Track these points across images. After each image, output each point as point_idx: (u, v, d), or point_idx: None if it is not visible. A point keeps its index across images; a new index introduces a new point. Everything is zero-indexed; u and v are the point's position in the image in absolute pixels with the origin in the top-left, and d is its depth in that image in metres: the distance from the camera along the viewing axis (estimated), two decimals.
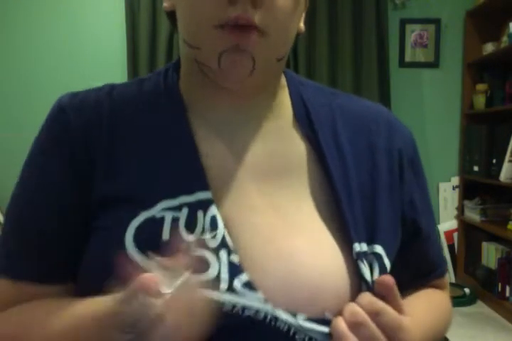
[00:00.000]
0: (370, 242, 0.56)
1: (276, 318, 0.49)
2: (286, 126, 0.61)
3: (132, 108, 0.59)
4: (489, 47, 3.00)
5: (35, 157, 0.59)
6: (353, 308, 0.50)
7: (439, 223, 3.24)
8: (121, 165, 0.56)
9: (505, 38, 2.83)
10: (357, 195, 0.57)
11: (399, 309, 0.51)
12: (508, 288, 2.71)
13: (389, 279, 0.51)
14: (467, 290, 2.90)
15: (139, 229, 0.52)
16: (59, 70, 3.13)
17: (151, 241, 0.51)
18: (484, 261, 2.95)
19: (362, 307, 0.50)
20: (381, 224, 0.57)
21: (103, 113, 0.58)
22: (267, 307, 0.49)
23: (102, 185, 0.55)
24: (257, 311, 0.49)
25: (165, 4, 0.60)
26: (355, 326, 0.49)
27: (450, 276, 3.21)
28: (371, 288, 0.53)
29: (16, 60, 3.15)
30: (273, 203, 0.56)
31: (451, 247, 3.24)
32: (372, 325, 0.49)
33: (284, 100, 0.63)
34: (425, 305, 0.65)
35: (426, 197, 0.67)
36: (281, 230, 0.54)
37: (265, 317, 0.49)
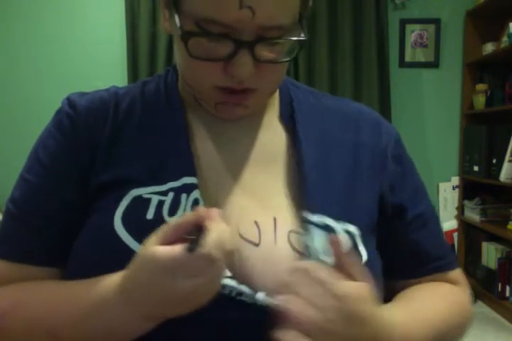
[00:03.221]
0: (346, 220, 0.59)
1: (240, 293, 0.52)
2: (271, 119, 0.67)
3: (135, 104, 0.64)
4: (489, 47, 3.00)
5: (43, 148, 0.62)
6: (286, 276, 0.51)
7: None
8: (119, 156, 0.60)
9: (505, 38, 2.83)
10: (336, 180, 0.62)
11: (351, 269, 0.51)
12: (508, 288, 2.71)
13: (335, 238, 0.52)
14: None
15: (128, 209, 0.56)
16: (59, 70, 3.13)
17: (136, 220, 0.55)
18: (484, 261, 2.95)
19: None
20: (358, 205, 0.61)
21: (109, 109, 0.63)
22: (232, 283, 0.52)
23: (101, 174, 0.59)
24: (223, 286, 0.52)
25: (164, 25, 0.61)
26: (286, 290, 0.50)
27: None
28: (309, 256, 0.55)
29: (16, 60, 3.15)
30: (249, 187, 0.61)
31: (451, 247, 3.24)
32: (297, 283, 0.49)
33: (274, 97, 0.67)
34: (422, 297, 0.64)
35: (418, 190, 0.70)
36: (250, 210, 0.59)
37: (230, 291, 0.52)
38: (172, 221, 0.49)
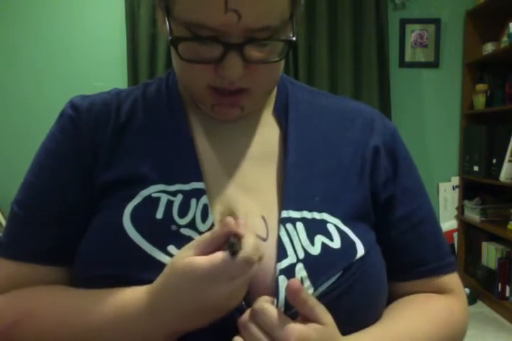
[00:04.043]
0: (331, 214, 0.59)
1: (242, 305, 0.52)
2: (267, 116, 0.67)
3: (137, 106, 0.65)
4: (489, 47, 3.00)
5: (45, 150, 0.64)
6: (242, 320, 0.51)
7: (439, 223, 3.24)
8: (122, 156, 0.61)
9: (505, 38, 2.83)
10: (319, 176, 0.62)
11: (309, 314, 0.50)
12: (508, 288, 2.71)
13: (295, 284, 0.50)
14: (467, 290, 2.90)
15: (137, 208, 0.57)
16: (59, 70, 3.12)
17: (146, 219, 0.56)
18: (484, 261, 2.95)
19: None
20: (343, 200, 0.61)
21: (111, 111, 0.63)
22: None
23: (104, 174, 0.60)
24: None
25: (161, 28, 0.61)
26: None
27: None
28: (285, 256, 0.54)
29: (16, 60, 3.15)
30: (250, 185, 0.61)
31: (451, 247, 3.24)
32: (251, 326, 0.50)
33: (272, 95, 0.68)
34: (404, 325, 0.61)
35: (411, 187, 0.68)
36: (255, 207, 0.59)
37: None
38: (205, 234, 0.50)
